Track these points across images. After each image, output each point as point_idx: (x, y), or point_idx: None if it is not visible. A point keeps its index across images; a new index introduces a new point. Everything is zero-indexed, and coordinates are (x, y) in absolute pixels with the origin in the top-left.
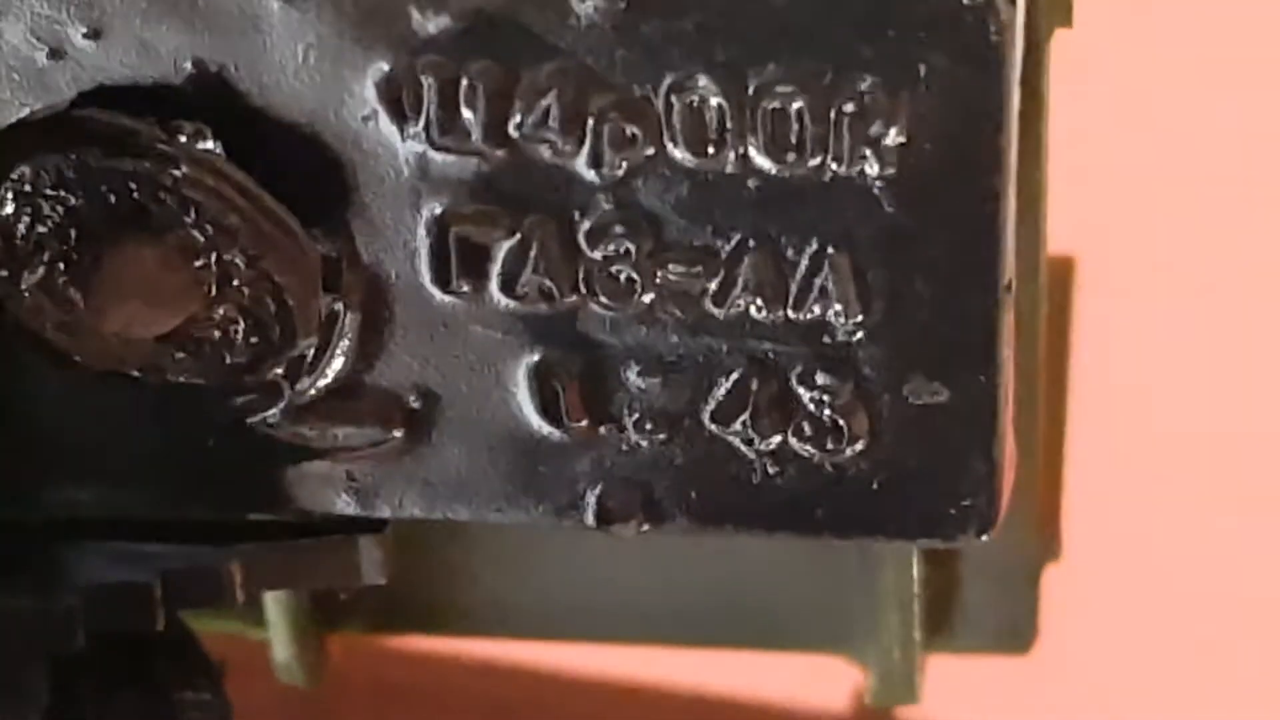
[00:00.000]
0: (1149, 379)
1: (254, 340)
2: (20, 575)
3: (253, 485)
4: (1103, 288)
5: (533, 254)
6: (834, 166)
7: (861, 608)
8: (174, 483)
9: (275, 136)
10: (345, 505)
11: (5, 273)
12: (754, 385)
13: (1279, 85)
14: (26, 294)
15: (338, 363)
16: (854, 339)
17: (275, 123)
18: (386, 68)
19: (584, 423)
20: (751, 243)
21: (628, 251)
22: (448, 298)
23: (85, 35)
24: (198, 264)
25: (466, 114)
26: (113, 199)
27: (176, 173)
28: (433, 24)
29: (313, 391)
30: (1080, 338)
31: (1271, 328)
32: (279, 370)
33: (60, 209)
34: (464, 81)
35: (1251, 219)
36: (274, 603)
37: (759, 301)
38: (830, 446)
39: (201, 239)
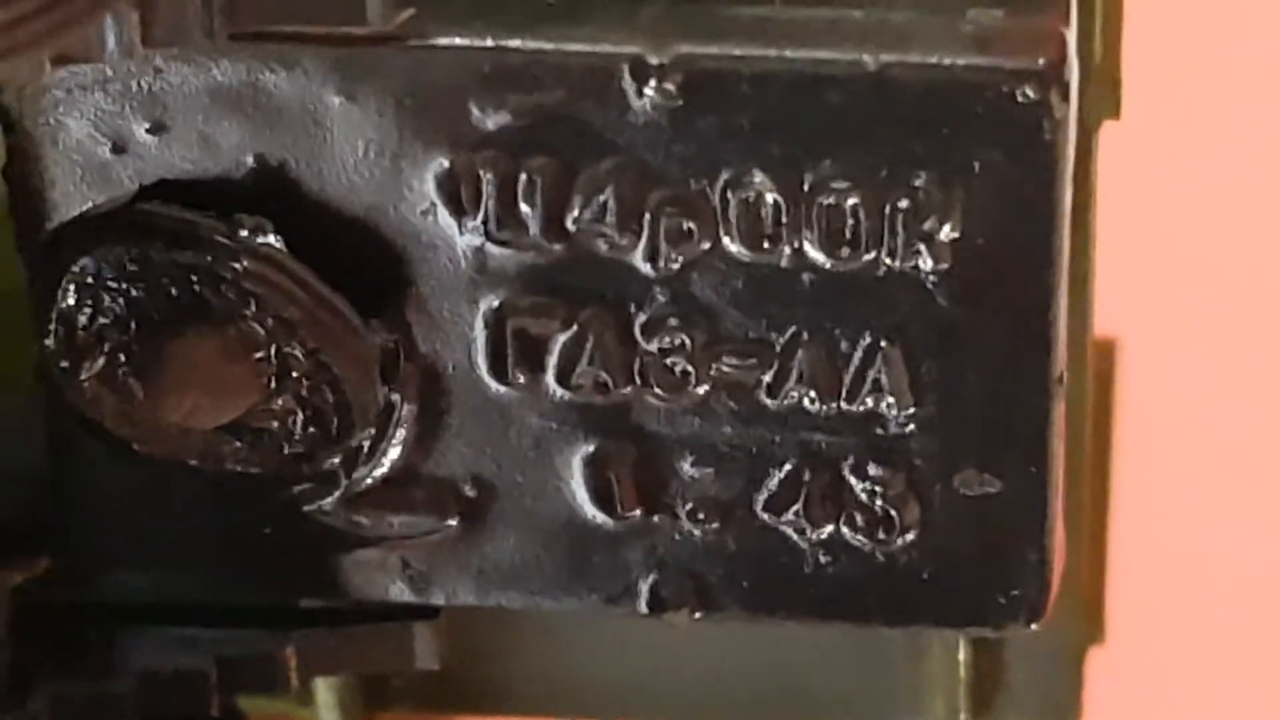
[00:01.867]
0: (1191, 461)
1: (312, 431)
2: (77, 659)
3: (308, 572)
4: (1144, 369)
5: (589, 346)
6: (888, 261)
7: (907, 691)
8: (230, 568)
9: (335, 230)
10: (399, 592)
11: (65, 363)
12: (806, 476)
13: None
14: (87, 384)
15: (394, 452)
16: (906, 431)
17: (335, 216)
18: (446, 163)
19: (638, 512)
20: (805, 335)
21: (683, 344)
22: (504, 388)
23: (148, 130)
24: (258, 356)
25: (524, 208)
26: (174, 291)
27: (237, 266)
28: (492, 120)
29: (369, 480)
30: (1122, 419)
31: None
32: (336, 459)
33: (121, 301)
34: (522, 177)
35: None
36: (323, 683)
37: (812, 393)
38: (882, 536)
39: (261, 331)
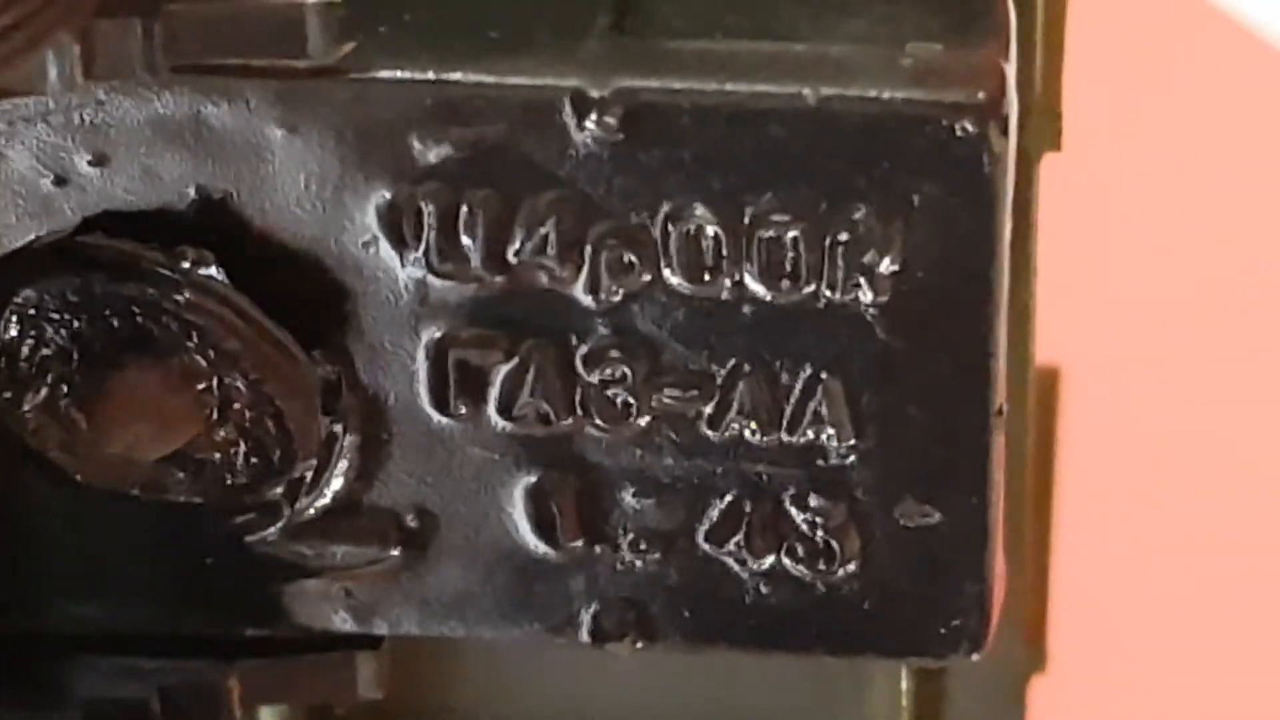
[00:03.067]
0: (1132, 488)
1: (254, 461)
2: (19, 689)
3: (251, 601)
4: (1086, 398)
5: (530, 377)
6: (828, 293)
7: None
8: (172, 598)
9: (277, 262)
10: (343, 622)
11: (8, 394)
12: (747, 507)
13: (1258, 205)
14: (29, 415)
15: (336, 483)
16: (847, 462)
17: (277, 248)
18: (387, 195)
19: (579, 542)
20: (746, 367)
21: (624, 376)
22: (446, 420)
23: (90, 162)
24: (200, 387)
25: (466, 241)
26: (116, 323)
27: (179, 298)
28: (433, 153)
29: (311, 511)
30: (1064, 447)
31: (1256, 433)
32: (278, 490)
33: (64, 332)
34: (464, 209)
35: (1229, 328)
36: (267, 712)
37: (753, 425)
38: (822, 567)
39: (204, 363)
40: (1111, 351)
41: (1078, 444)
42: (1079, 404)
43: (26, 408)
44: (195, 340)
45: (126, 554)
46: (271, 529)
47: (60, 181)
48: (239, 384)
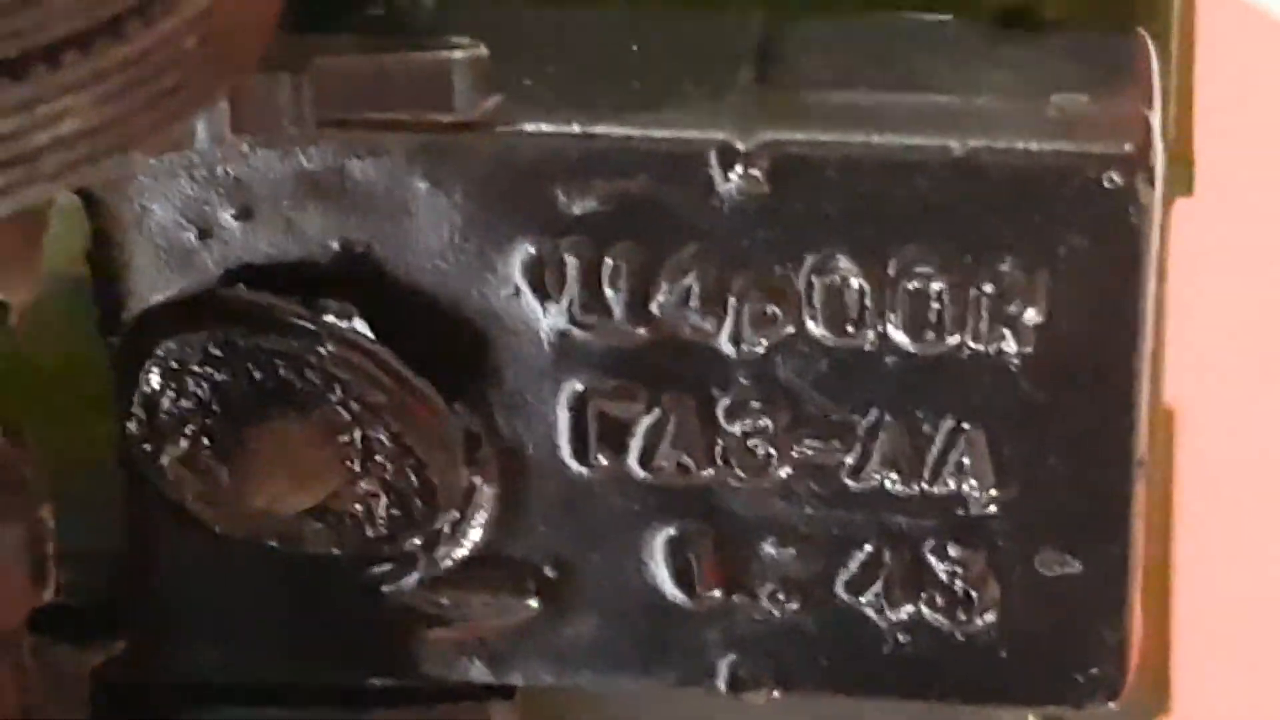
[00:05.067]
0: (1252, 528)
1: (395, 513)
2: None
3: (386, 651)
4: (1203, 437)
5: (671, 429)
6: (972, 344)
7: None
8: (307, 648)
9: (419, 313)
10: (478, 673)
11: (148, 446)
12: (887, 557)
13: None
14: (169, 467)
15: (475, 534)
16: (988, 512)
17: (419, 300)
18: (531, 248)
19: (718, 592)
20: (888, 418)
21: (765, 427)
22: (585, 470)
23: (233, 216)
24: (342, 440)
25: (609, 293)
26: (258, 376)
27: (322, 350)
28: (577, 206)
29: (449, 562)
30: (1182, 487)
31: None
32: (417, 541)
33: (205, 385)
34: (607, 261)
35: None
36: None
37: (894, 475)
38: (961, 616)
39: (346, 415)
40: (1228, 391)
41: (1196, 484)
42: (1196, 444)
43: (166, 459)
44: (338, 393)
45: (260, 603)
46: (409, 579)
47: (203, 234)
48: (381, 436)
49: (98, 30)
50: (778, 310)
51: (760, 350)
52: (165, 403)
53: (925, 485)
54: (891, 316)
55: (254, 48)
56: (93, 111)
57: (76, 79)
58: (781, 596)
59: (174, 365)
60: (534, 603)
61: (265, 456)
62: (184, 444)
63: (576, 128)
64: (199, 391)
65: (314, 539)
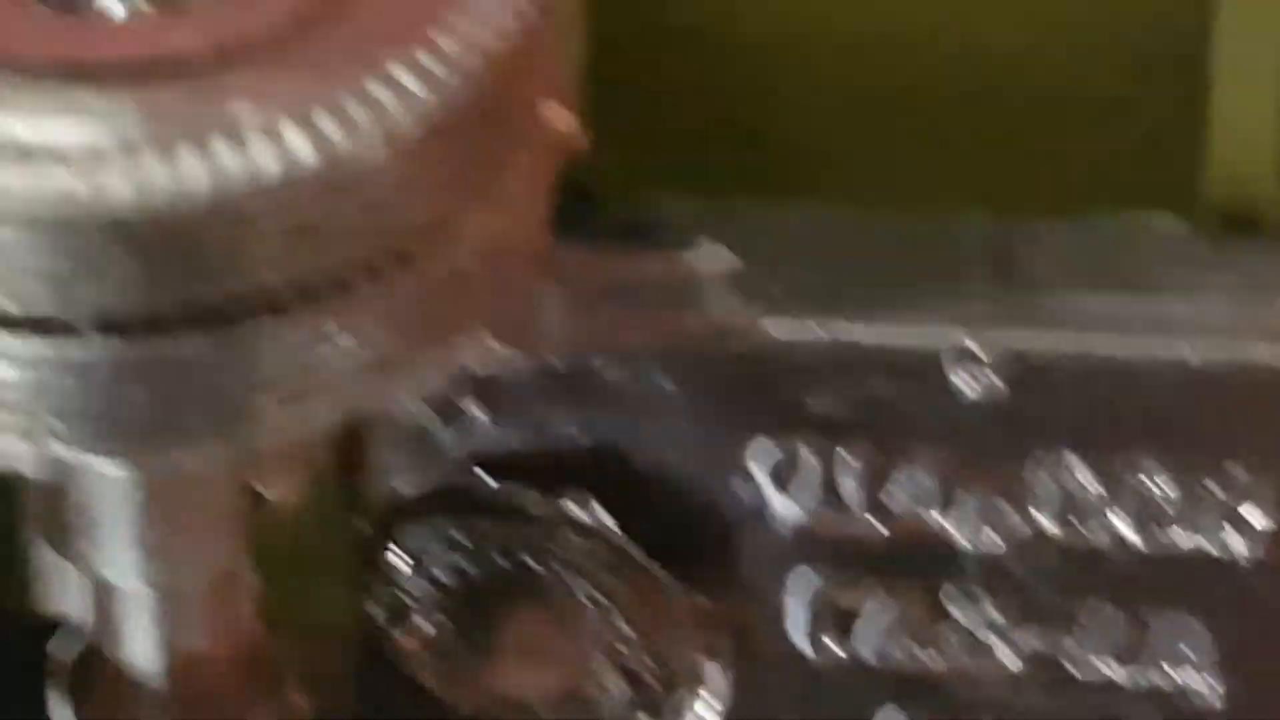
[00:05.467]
0: None
1: (629, 695)
2: None
3: None
4: None
5: (901, 617)
6: (1200, 542)
7: None
8: None
9: (658, 503)
10: None
11: (389, 626)
12: None
13: None
14: (408, 647)
15: (708, 716)
16: (1213, 707)
17: (659, 490)
18: (771, 444)
19: None
20: (1114, 610)
21: (994, 618)
22: (816, 655)
23: (480, 409)
24: (581, 625)
25: (845, 487)
26: (501, 563)
27: (565, 540)
28: (818, 404)
29: None
30: None
31: None
32: None
33: (449, 570)
34: (845, 458)
35: None
36: None
37: (1118, 666)
38: None
39: (587, 602)
40: None
41: None
42: None
43: (406, 640)
44: (579, 581)
45: None
46: None
47: (449, 424)
48: (619, 623)
49: (387, 259)
50: (1009, 506)
51: (990, 544)
52: (408, 585)
53: (1149, 677)
54: (1120, 513)
55: (527, 265)
56: (381, 336)
57: (366, 306)
58: None
59: (419, 550)
60: None
61: (506, 641)
62: (424, 626)
63: (818, 331)
64: (442, 576)
65: (549, 717)
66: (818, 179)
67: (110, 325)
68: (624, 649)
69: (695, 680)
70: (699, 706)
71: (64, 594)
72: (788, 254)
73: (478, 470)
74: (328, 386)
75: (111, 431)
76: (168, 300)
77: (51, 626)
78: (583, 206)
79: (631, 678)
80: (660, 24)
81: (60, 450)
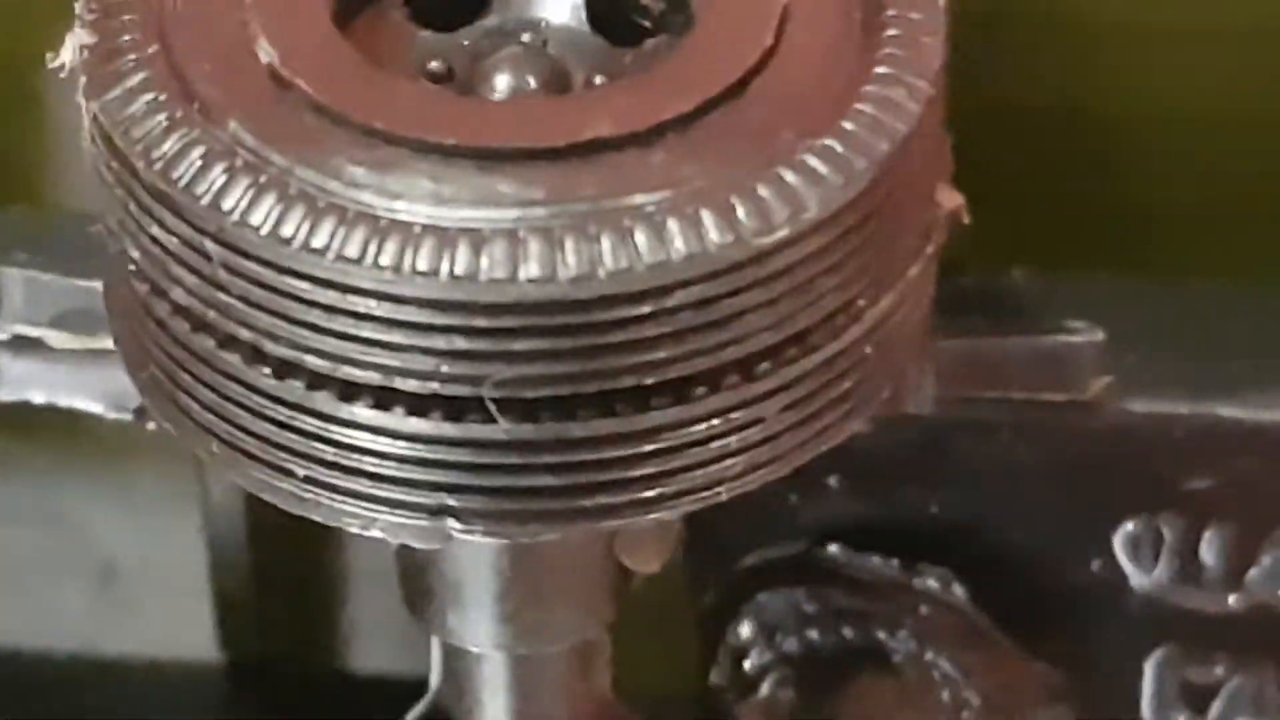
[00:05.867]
0: None
1: None
2: None
3: None
4: None
5: (1252, 693)
6: None
7: None
8: None
9: (1011, 576)
10: None
11: (731, 694)
12: None
13: None
14: (750, 715)
15: None
16: None
17: (1012, 563)
18: (1132, 520)
19: None
20: None
21: None
22: None
23: (836, 480)
24: (930, 698)
25: (1205, 564)
26: (849, 634)
27: (918, 613)
28: (1183, 482)
29: None
30: None
31: None
32: None
33: (795, 640)
34: (1207, 534)
35: None
36: None
37: None
38: None
39: (936, 675)
40: None
41: None
42: None
43: (747, 709)
44: (930, 654)
45: None
46: None
47: (804, 494)
48: (968, 694)
49: (786, 343)
50: None
51: None
52: (753, 654)
53: None
54: None
55: (915, 345)
56: (778, 418)
57: (766, 389)
58: None
59: (766, 620)
60: None
61: (852, 712)
62: (768, 694)
63: (1184, 408)
64: (788, 646)
65: None
66: (1183, 254)
67: (517, 406)
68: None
69: None
70: None
71: (384, 654)
72: (1148, 328)
73: (831, 542)
74: (723, 464)
75: (507, 511)
76: (573, 382)
77: (372, 685)
78: (946, 281)
79: None
80: (1016, 102)
81: (454, 527)
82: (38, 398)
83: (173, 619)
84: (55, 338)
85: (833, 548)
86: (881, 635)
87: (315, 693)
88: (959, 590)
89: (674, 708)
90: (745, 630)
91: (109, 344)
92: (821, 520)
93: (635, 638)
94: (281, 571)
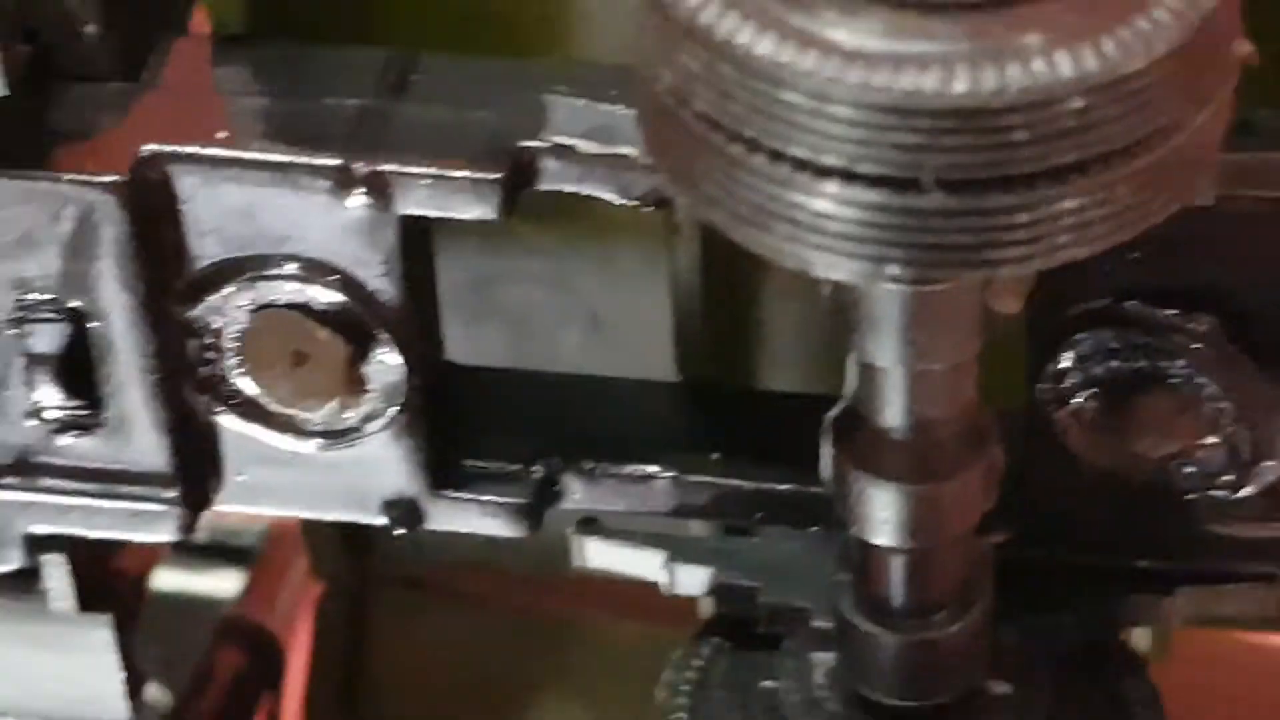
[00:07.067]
0: None
1: (1226, 461)
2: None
3: (1192, 545)
4: None
5: None
6: None
7: None
8: (1132, 543)
9: (1265, 323)
10: (1258, 566)
11: (1052, 404)
12: None
13: None
14: (1065, 419)
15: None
16: None
17: (1266, 315)
18: None
19: None
20: None
21: None
22: None
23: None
24: (1199, 409)
25: None
26: (1141, 363)
27: (1191, 349)
28: None
29: (1249, 492)
30: None
31: None
32: (1230, 478)
33: (1101, 366)
34: None
35: None
36: None
37: None
38: None
39: (1204, 394)
40: None
41: None
42: None
43: (1064, 414)
44: (1199, 378)
45: (1108, 508)
46: (1220, 501)
47: (1115, 264)
48: (1225, 405)
49: (1134, 145)
50: None
51: None
52: (1070, 377)
53: None
54: None
55: (1211, 153)
56: (1122, 198)
57: (1116, 177)
58: None
59: (1081, 352)
60: None
61: (1140, 419)
62: (1078, 404)
63: None
64: (1095, 371)
65: (1162, 472)
66: None
67: (943, 183)
68: (1230, 428)
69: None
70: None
71: (800, 375)
72: None
73: (1131, 299)
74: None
75: (930, 260)
76: (984, 168)
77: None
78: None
79: (1230, 449)
80: None
81: (891, 272)
82: (567, 188)
83: (642, 353)
84: (584, 145)
85: (1132, 303)
86: (1164, 364)
87: (750, 404)
88: (1224, 332)
89: (1010, 413)
90: (1065, 359)
91: (624, 150)
92: (1126, 281)
93: (989, 361)
94: (724, 314)
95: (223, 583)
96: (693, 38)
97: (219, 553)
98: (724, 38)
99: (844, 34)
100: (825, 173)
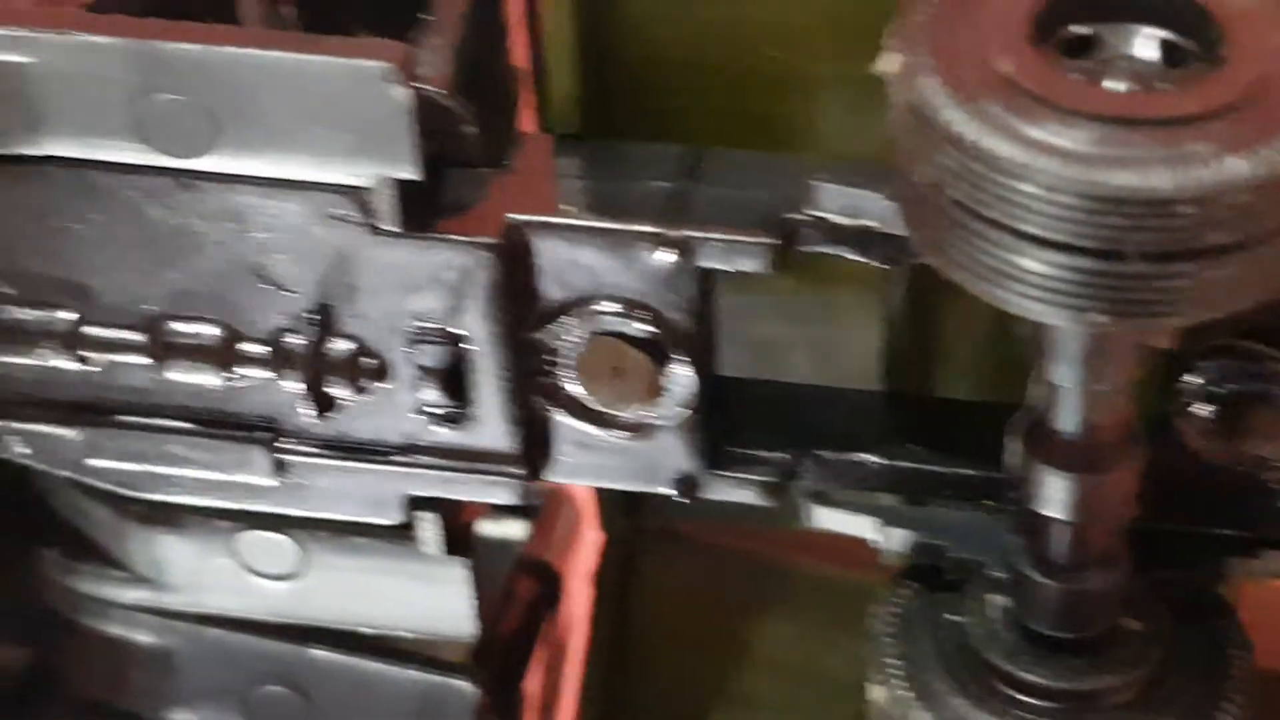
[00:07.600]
0: None
1: None
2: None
3: (1252, 514)
4: None
5: None
6: None
7: None
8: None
9: None
10: None
11: (1177, 415)
12: None
13: None
14: (1186, 425)
15: None
16: None
17: None
18: None
19: None
20: None
21: None
22: None
23: None
24: None
25: None
26: (1250, 385)
27: None
28: None
29: None
30: None
31: None
32: None
33: (1222, 386)
34: None
35: None
36: None
37: None
38: None
39: None
40: None
41: None
42: None
43: (1185, 421)
44: None
45: (1208, 493)
46: None
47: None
48: None
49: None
50: None
51: None
52: (1193, 393)
53: None
54: None
55: None
56: (1264, 268)
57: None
58: None
59: (1206, 374)
60: None
61: (1255, 426)
62: (1198, 414)
63: None
64: (1215, 389)
65: (1255, 466)
66: None
67: (1141, 254)
68: None
69: None
70: None
71: (980, 386)
72: None
73: (1247, 338)
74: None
75: (1121, 310)
76: (1164, 243)
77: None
78: None
79: None
80: None
81: (1095, 319)
82: (823, 250)
83: (856, 369)
84: (836, 218)
85: (1247, 342)
86: (1267, 386)
87: (936, 408)
88: None
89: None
90: (1191, 380)
91: (868, 223)
92: (1243, 323)
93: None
94: (918, 341)
95: (519, 530)
96: (949, 143)
97: (517, 507)
98: (974, 143)
99: (1068, 141)
100: (1050, 245)
